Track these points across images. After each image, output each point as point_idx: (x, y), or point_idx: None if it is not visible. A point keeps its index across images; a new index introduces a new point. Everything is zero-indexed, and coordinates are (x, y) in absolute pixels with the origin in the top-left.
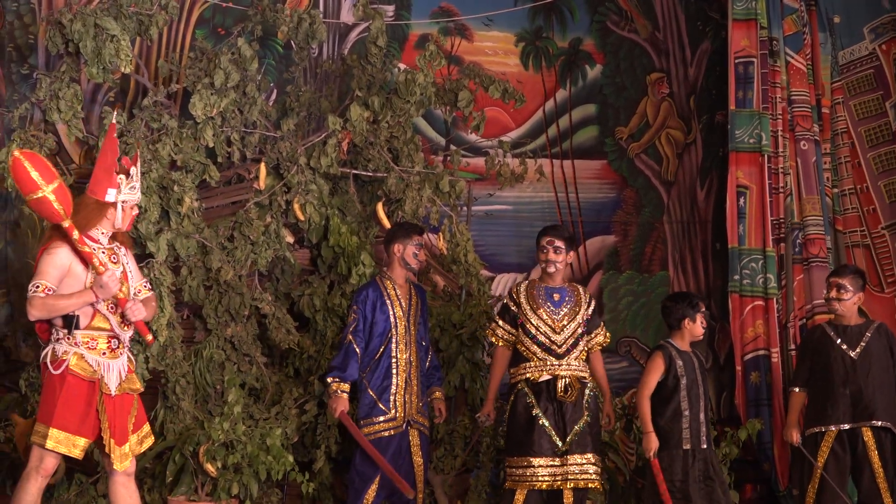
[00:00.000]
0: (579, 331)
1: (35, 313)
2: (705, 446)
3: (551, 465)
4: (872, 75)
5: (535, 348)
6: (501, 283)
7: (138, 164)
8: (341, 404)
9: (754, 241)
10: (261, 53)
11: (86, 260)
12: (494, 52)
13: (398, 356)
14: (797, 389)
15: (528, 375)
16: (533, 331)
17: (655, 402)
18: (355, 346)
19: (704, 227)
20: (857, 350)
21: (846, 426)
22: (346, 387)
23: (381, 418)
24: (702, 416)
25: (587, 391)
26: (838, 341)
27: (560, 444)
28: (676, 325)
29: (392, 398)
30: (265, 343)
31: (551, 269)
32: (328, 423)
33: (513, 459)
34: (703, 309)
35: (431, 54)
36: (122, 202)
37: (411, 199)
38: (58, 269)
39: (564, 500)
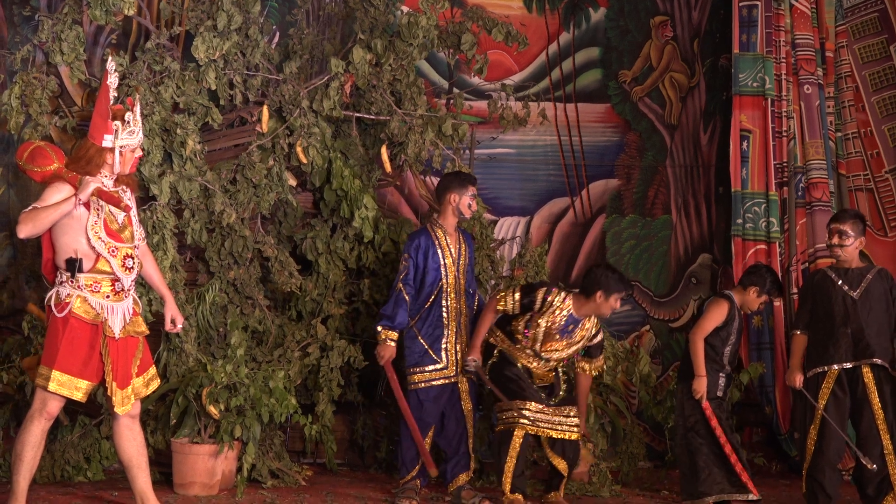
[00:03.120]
0: (571, 350)
1: (23, 228)
2: (727, 396)
3: (543, 412)
4: (877, 18)
5: (528, 350)
6: (504, 227)
7: (137, 107)
8: (388, 352)
9: (757, 184)
10: None
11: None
12: None
13: (449, 305)
14: (799, 332)
15: (514, 354)
16: (532, 339)
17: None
18: (405, 294)
19: (707, 170)
20: (858, 291)
21: (847, 365)
22: (395, 335)
23: (432, 367)
24: (730, 369)
25: (560, 372)
26: (839, 282)
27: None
28: (745, 285)
29: (444, 347)
30: (268, 286)
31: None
32: (331, 366)
33: (512, 402)
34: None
35: None
36: (121, 147)
37: (414, 143)
38: (56, 198)
39: (553, 446)
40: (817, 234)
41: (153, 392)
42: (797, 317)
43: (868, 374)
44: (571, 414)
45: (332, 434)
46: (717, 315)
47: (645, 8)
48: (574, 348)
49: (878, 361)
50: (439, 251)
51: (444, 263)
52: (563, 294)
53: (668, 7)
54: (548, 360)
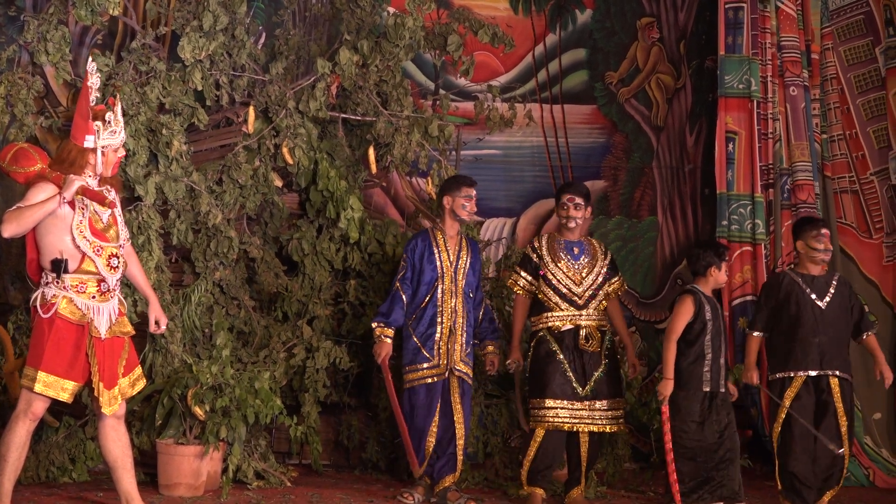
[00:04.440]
0: (598, 281)
1: (7, 227)
2: (723, 390)
3: (572, 409)
4: (862, 21)
5: (556, 299)
6: (491, 228)
7: (118, 107)
8: (384, 349)
9: (743, 186)
10: None
11: (72, 202)
12: None
13: (443, 305)
14: (756, 334)
15: (550, 324)
16: (555, 282)
17: (680, 345)
18: (402, 293)
19: (693, 172)
20: (826, 300)
21: (813, 373)
22: (390, 332)
23: (425, 365)
24: (721, 360)
25: (606, 340)
26: (808, 290)
27: (580, 389)
28: (702, 271)
29: (436, 346)
30: (253, 287)
31: (572, 225)
32: (316, 367)
33: (535, 401)
34: (728, 258)
35: None
36: (103, 147)
37: (400, 144)
38: (40, 197)
39: (580, 442)
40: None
41: (139, 393)
42: (756, 316)
43: (834, 381)
44: (605, 406)
45: (317, 435)
46: (684, 313)
47: (631, 9)
48: (598, 267)
49: (841, 374)
50: (436, 253)
51: (441, 265)
52: (542, 236)
53: (654, 9)
54: (584, 301)
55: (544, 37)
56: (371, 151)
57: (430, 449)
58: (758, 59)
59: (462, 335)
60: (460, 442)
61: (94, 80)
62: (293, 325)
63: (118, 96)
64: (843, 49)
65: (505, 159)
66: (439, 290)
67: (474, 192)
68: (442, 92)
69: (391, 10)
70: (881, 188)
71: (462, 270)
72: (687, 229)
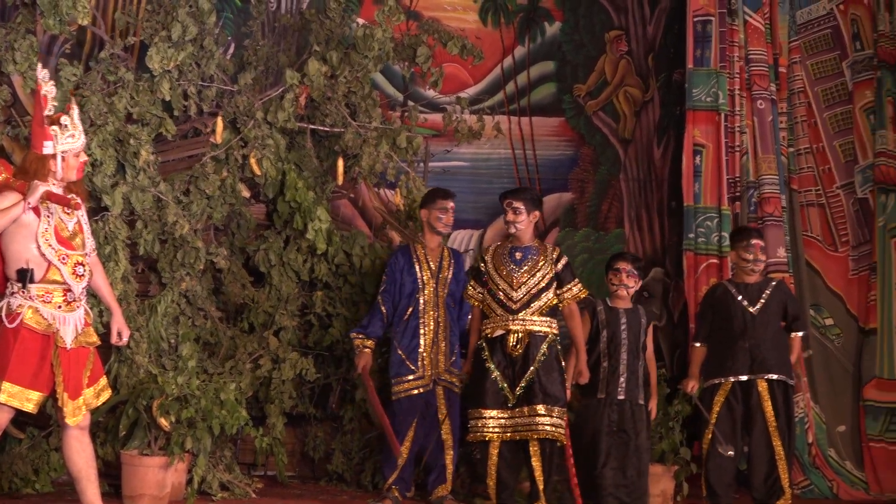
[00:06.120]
0: (541, 285)
1: None
2: (622, 397)
3: (501, 417)
4: (830, 35)
5: (494, 305)
6: (458, 240)
7: (74, 110)
8: (363, 359)
9: (710, 199)
10: (218, 7)
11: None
12: (453, 7)
13: (425, 317)
14: (698, 344)
15: (486, 331)
16: (493, 289)
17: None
18: (381, 306)
19: (661, 184)
20: (757, 306)
21: (743, 377)
22: (371, 343)
23: (410, 377)
24: (621, 368)
25: (543, 344)
26: (739, 297)
27: (511, 397)
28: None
29: (419, 357)
30: (220, 297)
31: (512, 230)
32: (282, 378)
33: (470, 412)
34: (624, 266)
35: (390, 9)
36: (63, 152)
37: (368, 155)
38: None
39: (530, 453)
40: (770, 249)
41: (104, 403)
42: (697, 330)
43: (762, 386)
44: (542, 412)
45: (282, 446)
46: (584, 327)
47: (600, 22)
48: (542, 272)
49: (775, 376)
50: (416, 266)
51: (422, 277)
52: (492, 245)
53: (623, 22)
54: (519, 306)
55: (513, 49)
56: (340, 162)
57: (402, 461)
58: (726, 72)
59: (445, 345)
60: (450, 452)
61: (48, 88)
62: (259, 336)
63: (73, 100)
64: (811, 63)
65: (473, 171)
66: (420, 302)
67: (450, 203)
68: (410, 103)
69: (360, 21)
70: (847, 202)
71: (444, 281)
72: (654, 242)
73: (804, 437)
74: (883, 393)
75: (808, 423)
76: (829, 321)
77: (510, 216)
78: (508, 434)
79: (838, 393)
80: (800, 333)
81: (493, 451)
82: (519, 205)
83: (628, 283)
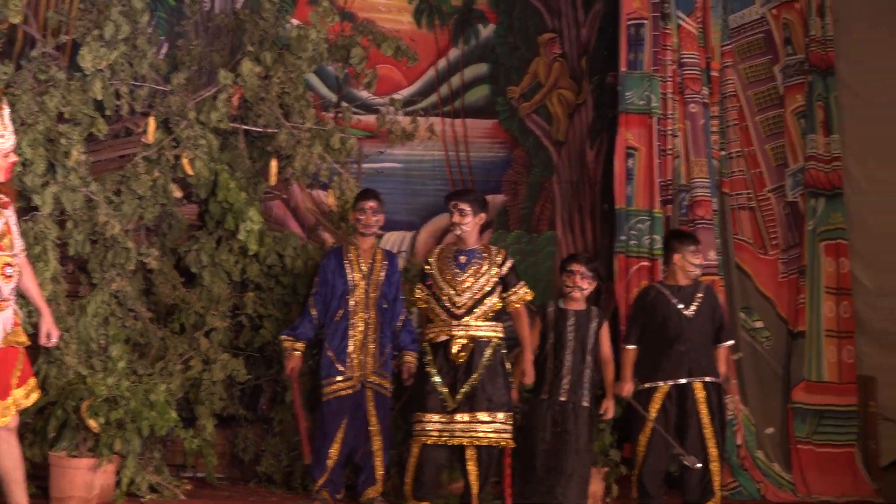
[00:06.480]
0: (485, 290)
1: None
2: (564, 399)
3: (440, 422)
4: (762, 40)
5: (438, 310)
6: (390, 241)
7: (5, 111)
8: (292, 362)
9: (642, 202)
10: (152, 6)
11: None
12: (388, 8)
13: (355, 318)
14: (631, 347)
15: (429, 336)
16: (438, 293)
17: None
18: (312, 308)
19: (593, 187)
20: (692, 309)
21: (681, 380)
22: (300, 345)
23: (339, 378)
24: (565, 369)
25: (488, 349)
26: (674, 300)
27: (450, 402)
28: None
29: (348, 358)
30: (151, 298)
31: (458, 232)
32: (213, 380)
33: (413, 415)
34: (578, 269)
35: (324, 10)
36: None
37: (301, 156)
38: None
39: (466, 458)
40: (701, 252)
41: (32, 404)
42: (628, 332)
43: (699, 389)
44: (484, 419)
45: (212, 448)
46: (536, 328)
47: (534, 25)
48: (486, 276)
49: (709, 379)
50: (347, 267)
51: (353, 279)
52: (438, 248)
53: (556, 24)
54: (463, 311)
55: (447, 51)
56: (273, 163)
57: (332, 462)
58: (658, 75)
59: (374, 347)
60: (379, 454)
61: None
62: (190, 337)
63: (4, 99)
64: (743, 67)
65: (406, 172)
66: (351, 303)
67: (369, 203)
68: (344, 104)
69: (295, 21)
70: (778, 205)
71: (375, 283)
72: (586, 244)
73: (733, 439)
74: (811, 395)
75: (736, 426)
76: (759, 324)
77: (456, 218)
78: (445, 438)
79: (767, 395)
80: (728, 343)
81: (416, 454)
82: (465, 206)
83: (582, 286)
